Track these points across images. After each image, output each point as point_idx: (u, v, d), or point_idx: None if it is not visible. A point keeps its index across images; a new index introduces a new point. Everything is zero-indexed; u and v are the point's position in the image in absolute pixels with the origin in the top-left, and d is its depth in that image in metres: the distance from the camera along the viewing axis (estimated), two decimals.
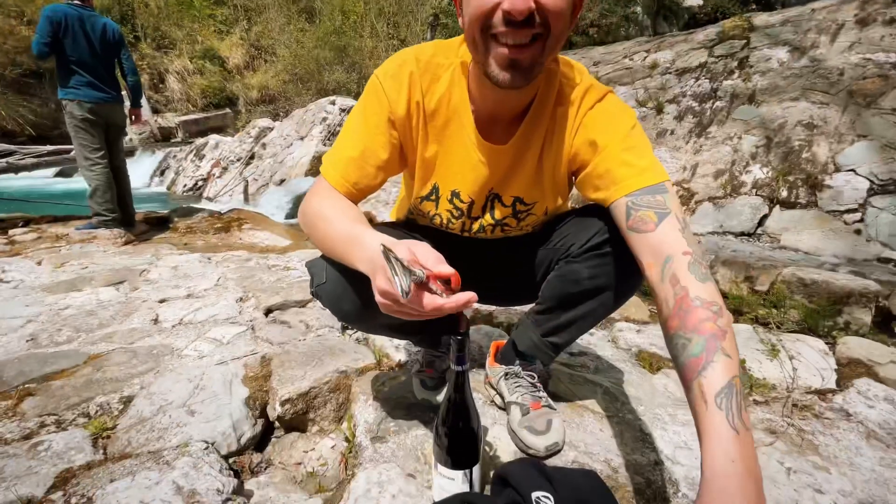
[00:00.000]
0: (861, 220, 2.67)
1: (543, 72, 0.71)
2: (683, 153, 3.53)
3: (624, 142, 0.74)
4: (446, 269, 0.58)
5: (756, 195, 3.10)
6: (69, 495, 0.84)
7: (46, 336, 1.52)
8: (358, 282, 0.75)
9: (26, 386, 1.22)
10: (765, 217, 3.00)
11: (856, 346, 1.43)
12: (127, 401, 1.14)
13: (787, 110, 3.25)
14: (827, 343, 1.57)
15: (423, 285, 0.58)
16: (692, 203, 3.28)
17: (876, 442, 1.02)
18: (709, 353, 0.56)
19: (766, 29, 3.91)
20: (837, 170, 2.87)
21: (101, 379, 1.23)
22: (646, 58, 4.55)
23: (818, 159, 2.97)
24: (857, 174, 2.80)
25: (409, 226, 1.00)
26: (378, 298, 0.61)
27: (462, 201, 0.88)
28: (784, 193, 2.99)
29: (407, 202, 0.99)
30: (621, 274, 0.82)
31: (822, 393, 1.23)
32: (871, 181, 2.73)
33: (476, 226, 0.92)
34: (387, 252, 0.58)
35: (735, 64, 3.77)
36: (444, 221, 0.92)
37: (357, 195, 0.82)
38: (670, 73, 4.13)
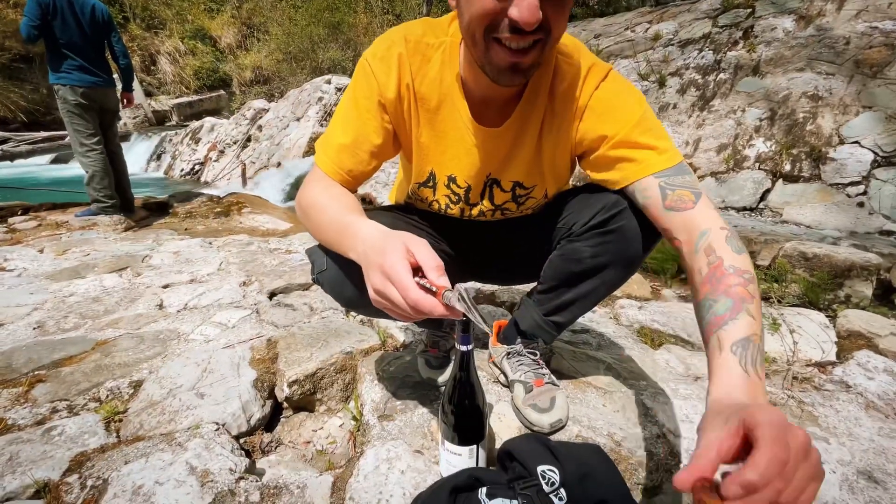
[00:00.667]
0: (864, 193, 2.65)
1: None
2: (686, 127, 3.49)
3: (640, 125, 0.73)
4: (445, 283, 0.57)
5: (759, 169, 3.07)
6: (85, 477, 0.86)
7: (53, 323, 1.53)
8: (359, 268, 0.74)
9: (36, 373, 1.24)
10: (767, 191, 2.98)
11: (856, 319, 1.44)
12: (137, 385, 1.16)
13: (791, 81, 3.20)
14: (828, 316, 1.58)
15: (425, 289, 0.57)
16: None
17: (875, 412, 1.04)
18: (733, 311, 0.57)
19: None
20: (842, 142, 2.84)
21: (110, 364, 1.24)
22: (648, 29, 4.45)
23: (822, 132, 2.94)
24: (861, 146, 2.77)
25: (408, 209, 0.99)
26: (372, 296, 0.60)
27: (459, 186, 0.87)
28: (787, 167, 2.97)
29: (406, 185, 0.98)
30: (623, 252, 0.82)
31: (822, 365, 1.25)
32: (875, 153, 2.70)
33: (475, 211, 0.91)
34: (462, 297, 0.55)
35: (740, 34, 3.69)
36: (443, 207, 0.92)
37: (352, 182, 0.81)
38: (673, 44, 4.05)
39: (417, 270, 0.58)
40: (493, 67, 0.65)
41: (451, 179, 0.86)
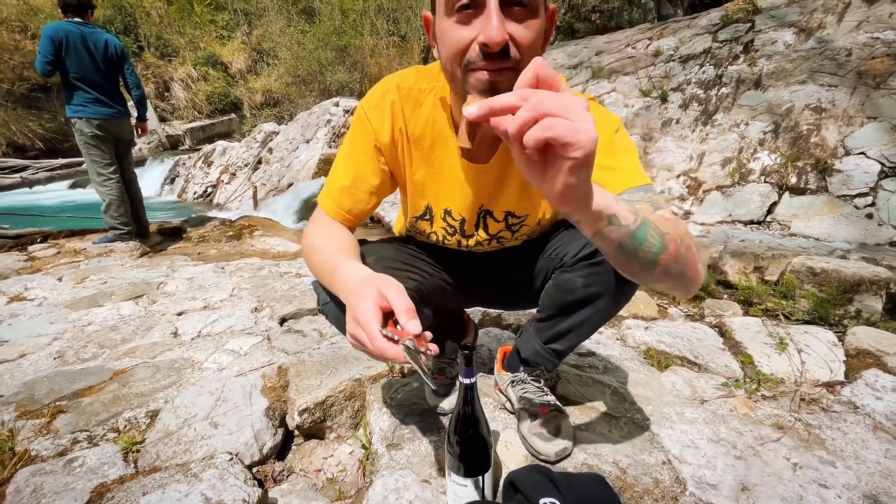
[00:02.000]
0: (872, 204, 2.64)
1: None
2: (689, 142, 3.51)
3: (608, 147, 0.75)
4: (416, 329, 0.59)
5: (765, 182, 3.07)
6: None
7: (73, 353, 1.58)
8: None
9: (57, 403, 1.28)
10: (774, 204, 2.97)
11: (864, 336, 1.43)
12: (153, 415, 1.19)
13: (794, 94, 3.21)
14: (836, 333, 1.57)
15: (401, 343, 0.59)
16: (700, 192, 3.26)
17: (883, 434, 1.03)
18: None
19: (771, 11, 3.85)
20: (847, 153, 2.84)
21: (128, 394, 1.28)
22: (648, 45, 4.50)
23: (827, 143, 2.93)
24: (867, 157, 2.76)
25: (409, 241, 1.04)
26: (348, 338, 0.64)
27: (454, 219, 0.91)
28: (793, 179, 2.96)
29: (404, 219, 1.03)
30: (614, 281, 0.84)
31: (830, 385, 1.24)
32: (881, 164, 2.69)
33: (472, 241, 0.95)
34: (408, 350, 0.59)
35: (740, 48, 3.72)
36: (440, 238, 0.96)
37: (353, 220, 0.89)
38: (674, 60, 4.09)
39: (392, 314, 0.62)
40: (473, 95, 0.67)
41: (447, 213, 0.91)
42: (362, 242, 0.93)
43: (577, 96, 0.80)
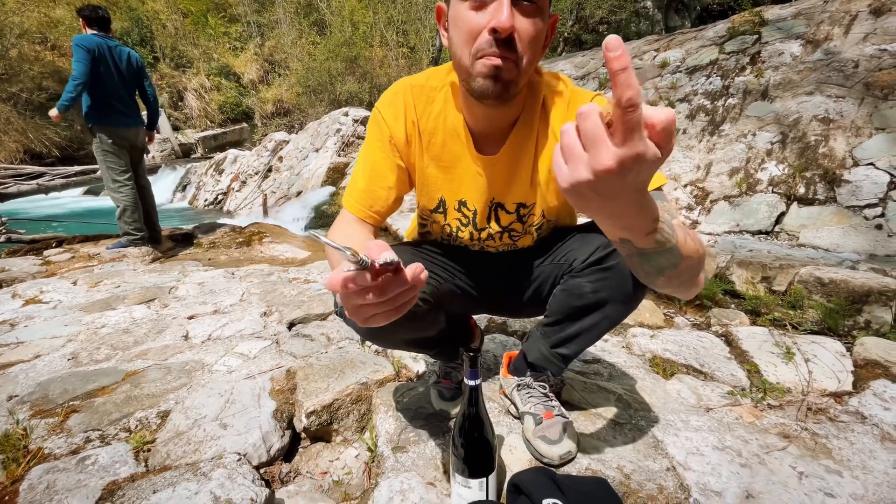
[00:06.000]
0: (882, 215, 2.62)
1: (527, 86, 0.80)
2: (696, 152, 3.51)
3: None
4: (391, 256, 0.49)
5: (772, 192, 3.06)
6: None
7: (86, 354, 1.61)
8: None
9: (71, 403, 1.30)
10: (782, 214, 2.96)
11: (873, 347, 1.42)
12: (164, 415, 1.22)
13: (801, 105, 3.21)
14: (846, 344, 1.56)
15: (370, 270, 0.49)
16: (707, 202, 3.25)
17: (891, 444, 1.02)
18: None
19: (777, 23, 3.87)
20: (856, 164, 2.83)
21: (139, 395, 1.31)
22: (655, 56, 4.53)
23: (835, 154, 2.93)
24: (876, 168, 2.75)
25: (422, 245, 1.05)
26: (341, 297, 0.52)
27: (469, 209, 0.93)
28: (801, 190, 2.95)
29: (417, 219, 1.05)
30: (622, 288, 0.85)
31: (837, 395, 1.23)
32: (891, 174, 2.68)
33: (484, 234, 0.97)
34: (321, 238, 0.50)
35: (747, 60, 3.74)
36: (454, 231, 0.98)
37: (377, 217, 0.91)
38: (681, 71, 4.11)
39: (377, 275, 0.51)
40: (478, 87, 0.72)
41: (462, 203, 0.93)
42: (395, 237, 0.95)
43: (585, 92, 0.84)
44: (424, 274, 0.52)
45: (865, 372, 1.35)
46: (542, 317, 1.03)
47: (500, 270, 1.04)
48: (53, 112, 2.97)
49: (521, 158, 0.87)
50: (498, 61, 0.69)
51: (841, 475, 0.93)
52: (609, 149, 0.38)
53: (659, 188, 0.77)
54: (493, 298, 1.08)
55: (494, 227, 0.95)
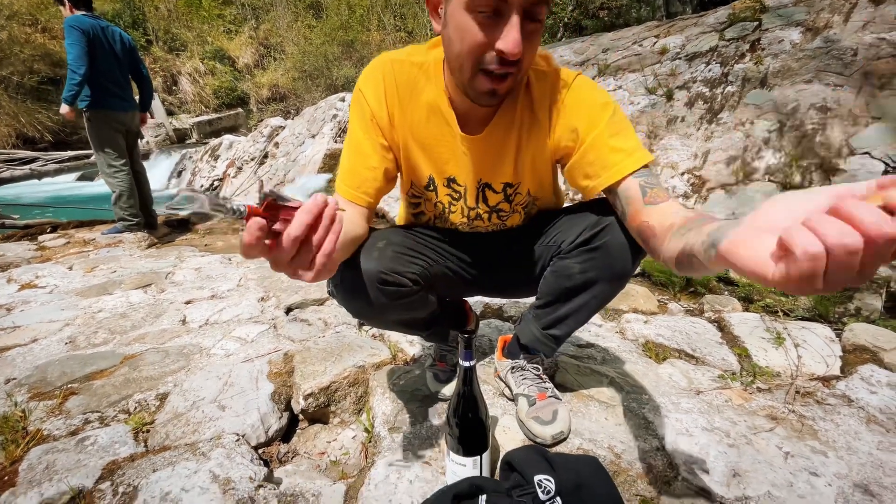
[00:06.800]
0: None
1: None
2: (694, 140, 3.51)
3: (609, 128, 0.80)
4: (276, 192, 0.46)
5: (769, 181, 3.07)
6: (116, 484, 0.92)
7: (84, 338, 1.62)
8: (369, 280, 0.82)
9: (69, 386, 1.32)
10: None
11: (862, 333, 1.45)
12: (162, 397, 1.23)
13: (799, 93, 3.20)
14: (835, 330, 1.58)
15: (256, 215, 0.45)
16: (704, 191, 3.26)
17: (876, 427, 1.05)
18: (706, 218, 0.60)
19: (778, 9, 3.84)
20: (852, 153, 2.83)
21: (138, 378, 1.32)
22: (655, 43, 4.49)
23: (832, 143, 2.93)
24: (872, 157, 2.75)
25: (411, 228, 1.05)
26: (242, 251, 0.47)
27: (459, 185, 0.93)
28: (797, 179, 2.96)
29: (407, 200, 1.03)
30: (610, 267, 0.87)
31: (825, 379, 1.26)
32: (886, 164, 2.69)
33: (473, 213, 0.97)
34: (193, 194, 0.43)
35: (747, 47, 3.71)
36: (447, 207, 0.98)
37: (367, 199, 0.88)
38: (680, 58, 4.08)
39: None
40: (474, 92, 0.74)
41: (451, 180, 0.93)
42: (372, 230, 0.95)
43: (567, 72, 0.84)
44: (331, 202, 0.48)
45: (854, 357, 1.37)
46: (533, 298, 1.05)
47: (490, 252, 1.04)
48: (64, 109, 2.91)
49: (505, 139, 0.87)
50: (501, 83, 0.70)
51: (826, 455, 0.95)
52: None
53: (646, 166, 0.79)
54: (484, 280, 1.09)
55: (483, 207, 0.96)
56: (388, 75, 0.86)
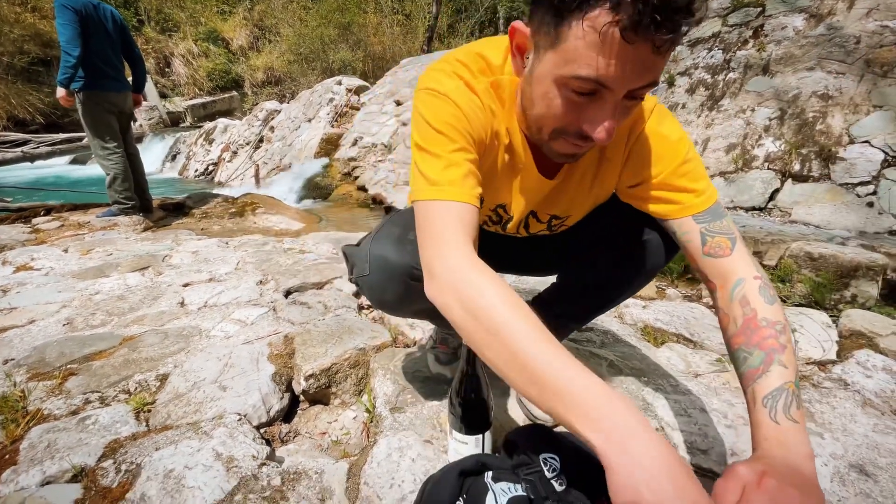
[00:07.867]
0: (874, 193, 2.65)
1: None
2: (694, 127, 3.50)
3: (680, 168, 0.75)
4: None
5: (768, 169, 3.07)
6: (119, 462, 0.92)
7: (82, 320, 1.61)
8: (400, 275, 0.78)
9: (69, 366, 1.31)
10: (776, 191, 2.99)
11: (858, 319, 1.46)
12: (163, 378, 1.23)
13: (801, 80, 3.19)
14: (831, 316, 1.60)
15: None
16: None
17: (871, 409, 1.07)
18: (766, 364, 0.62)
19: None
20: (852, 141, 2.84)
21: (137, 359, 1.32)
22: None
23: (832, 131, 2.93)
24: (871, 146, 2.76)
25: None
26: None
27: (506, 213, 0.89)
28: (797, 167, 2.97)
29: None
30: (629, 266, 0.87)
31: (821, 364, 1.27)
32: (885, 153, 2.69)
33: (509, 230, 0.94)
34: None
35: (749, 33, 3.68)
36: (481, 222, 0.93)
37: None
38: (682, 44, 4.05)
39: None
40: (550, 150, 0.68)
41: (501, 206, 0.88)
42: (388, 209, 0.91)
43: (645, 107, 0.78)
44: None
45: (850, 342, 1.39)
46: (543, 289, 1.05)
47: (514, 247, 1.03)
48: (60, 93, 2.84)
49: (579, 183, 0.83)
50: (577, 150, 0.65)
51: (822, 437, 0.97)
52: None
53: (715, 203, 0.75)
54: (501, 263, 1.08)
55: (522, 231, 0.93)
56: (486, 96, 0.73)
